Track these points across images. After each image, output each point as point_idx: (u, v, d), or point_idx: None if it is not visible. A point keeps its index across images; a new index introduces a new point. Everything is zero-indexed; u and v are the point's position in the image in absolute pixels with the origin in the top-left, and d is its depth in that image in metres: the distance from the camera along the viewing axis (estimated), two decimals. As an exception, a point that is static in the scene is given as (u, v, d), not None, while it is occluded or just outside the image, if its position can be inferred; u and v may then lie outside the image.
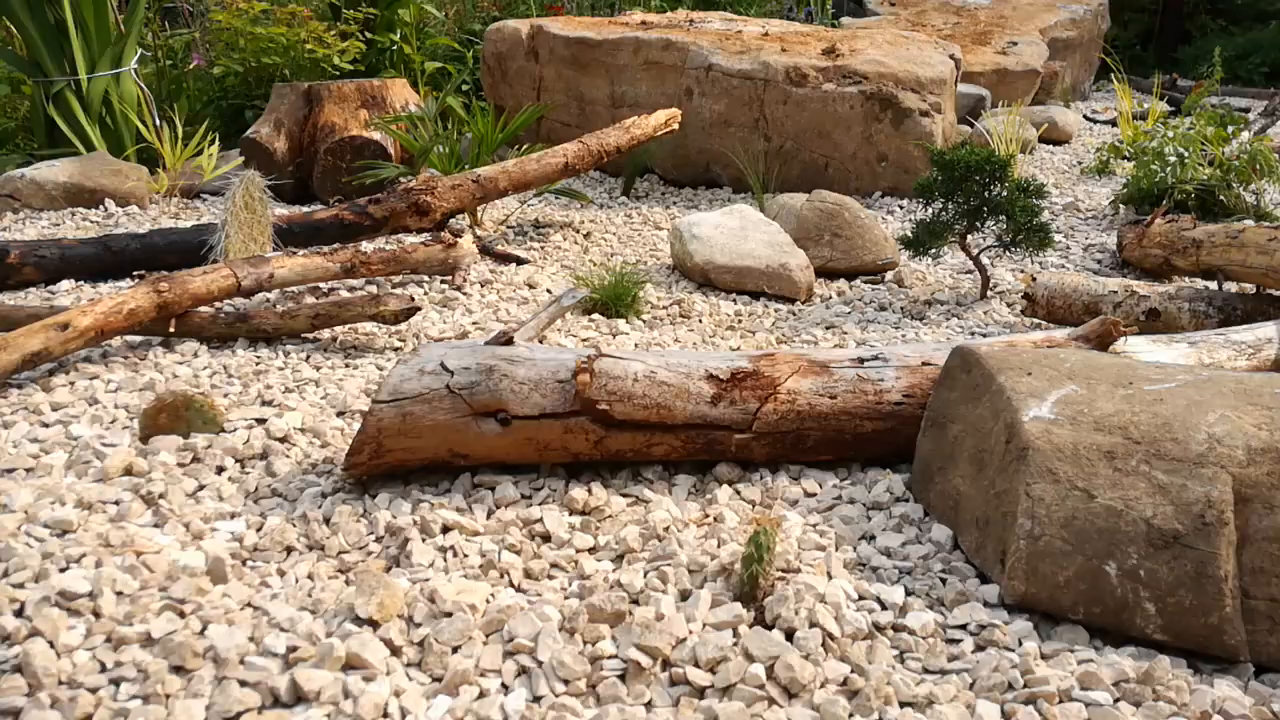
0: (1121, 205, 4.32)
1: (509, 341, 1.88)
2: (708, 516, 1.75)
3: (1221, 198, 4.21)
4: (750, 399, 1.88)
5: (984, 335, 2.94)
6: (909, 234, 3.25)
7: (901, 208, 4.60)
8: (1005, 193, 3.12)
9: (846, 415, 1.91)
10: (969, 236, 3.24)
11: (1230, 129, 5.05)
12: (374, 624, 1.37)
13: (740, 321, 3.15)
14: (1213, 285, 3.14)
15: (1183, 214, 4.24)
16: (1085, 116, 8.41)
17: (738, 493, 1.86)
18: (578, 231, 4.26)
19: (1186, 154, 4.14)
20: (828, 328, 3.05)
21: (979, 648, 1.38)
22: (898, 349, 2.01)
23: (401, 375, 1.80)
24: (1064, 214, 4.46)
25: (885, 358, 1.98)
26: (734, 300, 3.36)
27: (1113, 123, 7.96)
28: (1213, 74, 11.95)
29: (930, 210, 3.24)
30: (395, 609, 1.39)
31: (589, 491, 1.82)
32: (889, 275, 3.57)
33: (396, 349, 2.74)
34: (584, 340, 2.83)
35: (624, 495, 1.85)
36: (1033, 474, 1.50)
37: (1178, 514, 1.42)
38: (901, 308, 3.21)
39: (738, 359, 1.94)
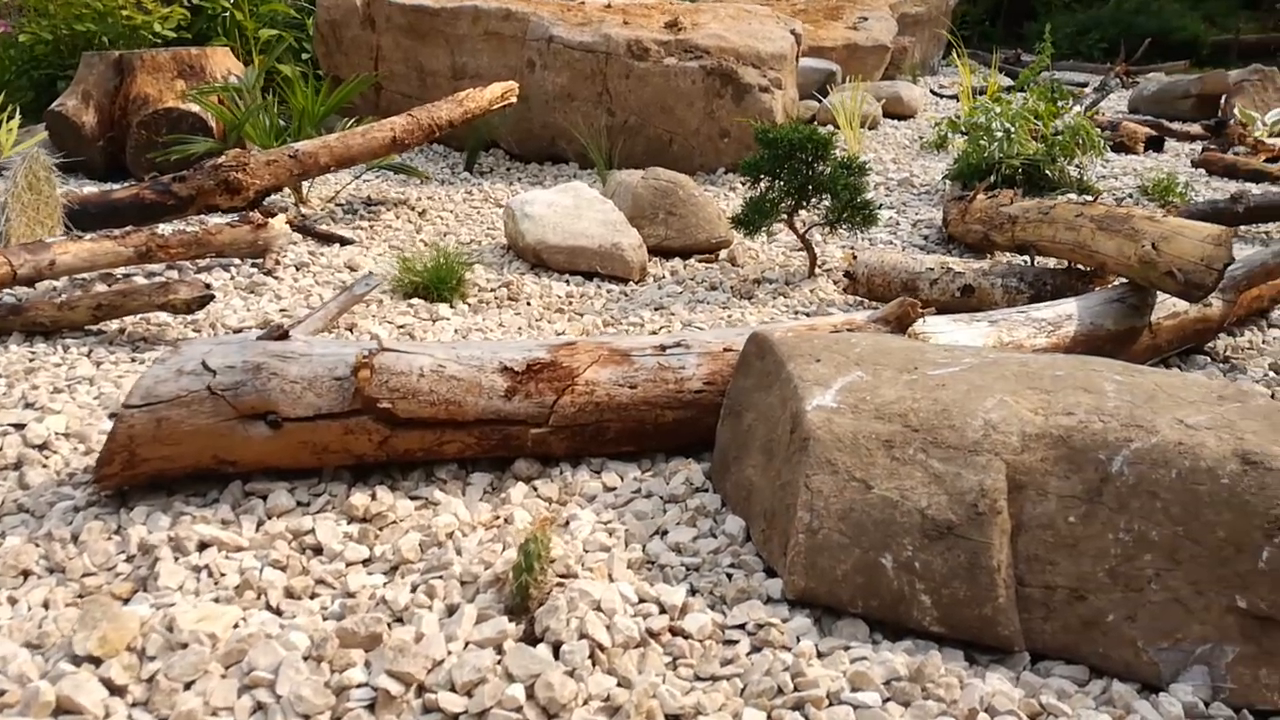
0: (951, 180, 4.41)
1: (284, 336, 1.74)
2: (498, 518, 1.67)
3: (1047, 172, 4.34)
4: (547, 391, 1.80)
5: (807, 314, 2.94)
6: (739, 213, 3.22)
7: (744, 184, 4.58)
8: (829, 171, 3.12)
9: (647, 405, 1.85)
10: (797, 214, 3.23)
11: (1060, 104, 5.22)
12: (96, 661, 1.24)
13: (570, 304, 3.06)
14: (1044, 260, 3.22)
15: (1011, 188, 4.36)
16: (932, 91, 8.62)
17: (535, 490, 1.78)
18: (413, 209, 4.09)
19: (1013, 129, 4.25)
20: (657, 309, 3.00)
21: (755, 649, 1.34)
22: (700, 334, 1.96)
23: (156, 376, 1.65)
24: (899, 189, 4.53)
25: (688, 344, 1.93)
26: (567, 281, 3.27)
27: (956, 98, 8.16)
28: (1054, 49, 12.43)
29: (759, 189, 3.22)
30: (123, 642, 1.26)
31: (373, 496, 1.71)
32: (723, 253, 3.54)
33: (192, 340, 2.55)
34: (400, 328, 2.70)
35: (413, 498, 1.75)
36: (812, 465, 1.47)
37: (952, 504, 1.41)
38: (731, 287, 3.18)
39: (536, 349, 1.85)
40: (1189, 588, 1.34)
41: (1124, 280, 2.47)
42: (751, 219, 3.18)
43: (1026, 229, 2.96)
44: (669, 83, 4.65)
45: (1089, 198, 4.21)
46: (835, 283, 3.18)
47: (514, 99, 4.26)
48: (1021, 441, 1.45)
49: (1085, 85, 8.96)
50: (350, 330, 2.63)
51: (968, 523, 1.40)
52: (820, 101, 6.38)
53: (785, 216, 3.23)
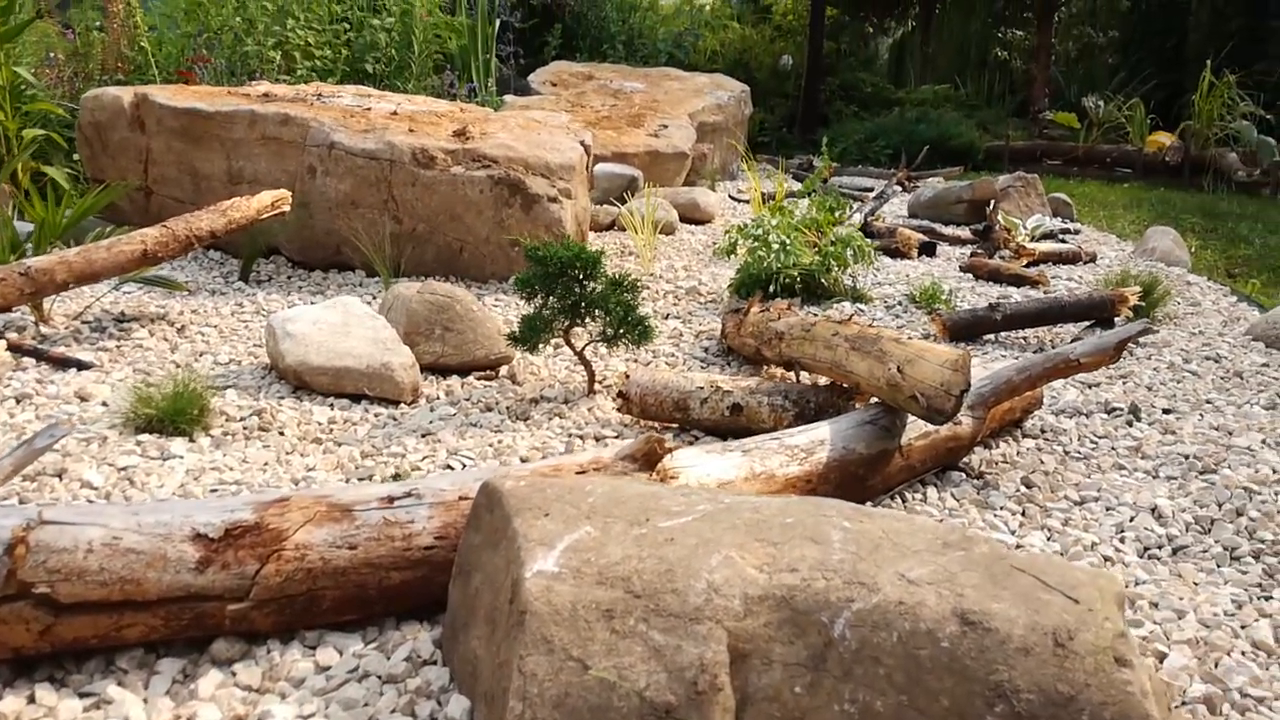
0: (734, 290, 4.49)
1: (-76, 512, 1.49)
2: (179, 718, 1.45)
3: (823, 281, 4.48)
4: (248, 560, 1.60)
5: (580, 437, 2.85)
6: (515, 330, 3.13)
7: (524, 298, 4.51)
8: (600, 289, 3.08)
9: (370, 567, 1.68)
10: (573, 331, 3.16)
11: (837, 213, 5.45)
12: None
13: (331, 431, 2.86)
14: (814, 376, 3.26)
15: (791, 297, 4.47)
16: (731, 197, 8.92)
17: (233, 675, 1.57)
18: (172, 325, 3.79)
19: (788, 241, 4.37)
20: (424, 435, 2.84)
21: None
22: (436, 481, 1.82)
23: None
24: (686, 298, 4.57)
25: (420, 494, 1.78)
26: (331, 405, 3.07)
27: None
28: (841, 155, 13.15)
29: (533, 305, 3.14)
30: None
31: (30, 698, 1.46)
32: (504, 370, 3.42)
33: None
34: (121, 471, 2.43)
35: (83, 695, 1.50)
36: (527, 644, 1.34)
37: (671, 682, 1.31)
38: (508, 407, 3.06)
39: (240, 509, 1.66)
40: (914, 759, 1.28)
41: (878, 400, 2.50)
42: (527, 336, 3.09)
43: (792, 345, 2.99)
44: (457, 191, 4.57)
45: (861, 307, 4.37)
46: (614, 399, 3.11)
47: (286, 207, 4.06)
48: (744, 605, 1.37)
49: (871, 190, 9.51)
50: (59, 477, 2.34)
51: (687, 704, 1.30)
52: (619, 207, 6.45)
53: (561, 333, 3.15)
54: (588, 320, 3.12)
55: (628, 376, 2.92)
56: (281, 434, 2.81)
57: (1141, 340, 4.02)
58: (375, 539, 1.69)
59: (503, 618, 1.45)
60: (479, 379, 3.36)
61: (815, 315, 3.06)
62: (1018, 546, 2.23)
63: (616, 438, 2.86)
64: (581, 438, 2.84)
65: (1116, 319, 3.97)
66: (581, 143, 5.11)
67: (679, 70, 11.15)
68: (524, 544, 1.48)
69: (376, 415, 3.00)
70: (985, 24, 17.49)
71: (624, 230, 5.95)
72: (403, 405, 3.09)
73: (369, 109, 5.03)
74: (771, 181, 9.81)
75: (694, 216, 7.33)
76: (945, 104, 15.13)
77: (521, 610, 1.37)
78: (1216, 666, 1.78)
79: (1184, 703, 1.68)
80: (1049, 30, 14.93)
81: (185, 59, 7.22)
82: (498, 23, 9.55)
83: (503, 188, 4.57)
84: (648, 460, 1.92)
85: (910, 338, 3.04)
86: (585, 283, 3.03)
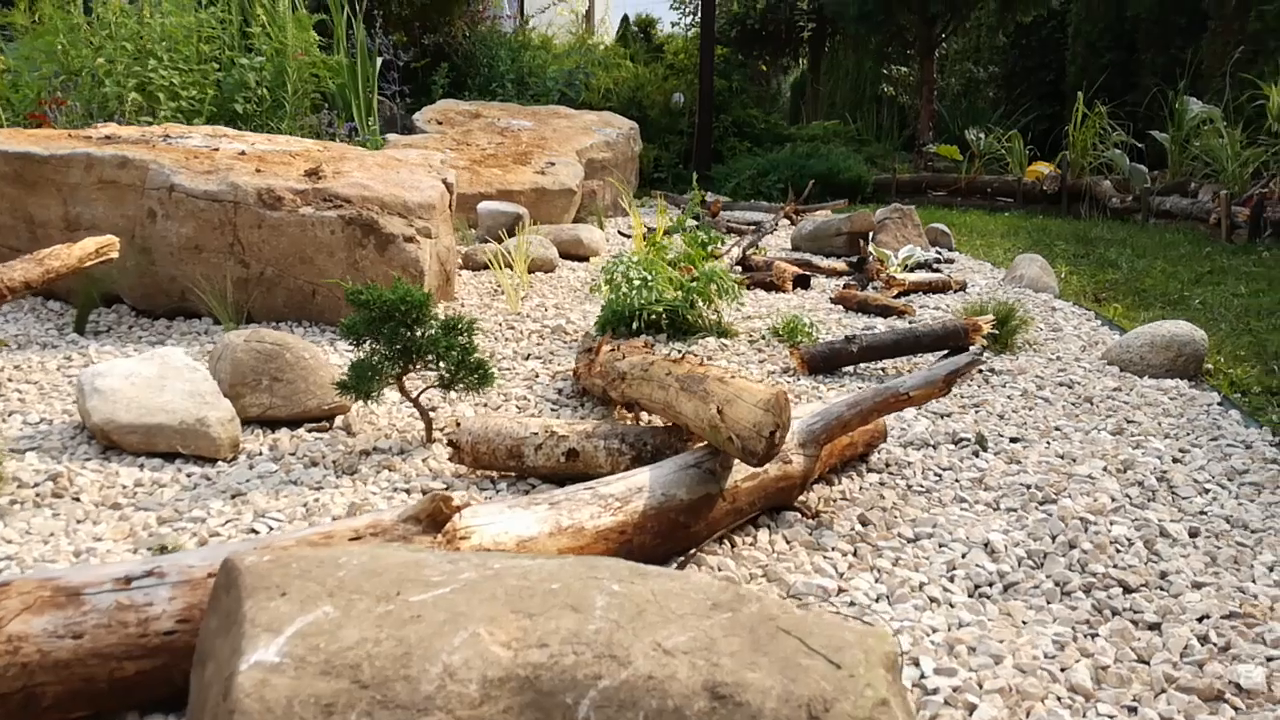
0: (599, 328, 4.39)
1: None
2: None
3: (688, 317, 4.41)
4: (-54, 658, 1.41)
5: (407, 491, 2.69)
6: (343, 378, 2.96)
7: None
8: (433, 332, 2.94)
9: (98, 658, 1.50)
10: (406, 377, 3.01)
11: (709, 247, 5.41)
12: None
13: (135, 496, 2.65)
14: (659, 420, 3.15)
15: (656, 334, 4.39)
16: (620, 233, 8.87)
17: (-78, 792, 1.37)
18: (-16, 383, 3.52)
19: (650, 277, 4.30)
20: (234, 496, 2.64)
21: None
22: (185, 557, 1.65)
23: None
24: (551, 337, 4.45)
25: (163, 572, 1.61)
26: (141, 466, 2.85)
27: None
28: (735, 190, 13.25)
29: (363, 351, 2.98)
30: None
31: None
32: (339, 421, 3.25)
33: None
34: None
35: None
36: (231, 748, 1.18)
37: (391, 782, 1.17)
38: (334, 461, 2.89)
39: (-57, 600, 1.47)
40: None
41: (705, 442, 2.41)
42: (355, 384, 2.92)
43: (632, 385, 2.89)
44: (306, 232, 4.39)
45: (725, 341, 4.30)
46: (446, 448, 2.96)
47: (114, 254, 3.82)
48: (482, 690, 1.24)
49: (761, 224, 9.58)
50: None
51: (407, 806, 1.15)
52: (499, 244, 6.33)
53: (393, 380, 3.00)
54: (420, 365, 2.97)
55: (458, 424, 2.78)
56: (77, 500, 2.59)
57: (996, 369, 4.04)
58: (105, 625, 1.51)
59: (222, 715, 1.29)
60: (311, 431, 3.17)
61: (659, 354, 2.97)
62: (840, 591, 2.14)
63: (446, 489, 2.71)
64: (408, 491, 2.69)
65: (971, 347, 3.98)
66: (444, 181, 4.98)
67: (568, 109, 11.13)
68: (249, 630, 1.32)
69: (189, 475, 2.80)
70: (874, 62, 17.97)
71: (487, 269, 5.81)
72: (220, 463, 2.89)
73: (217, 149, 4.82)
74: (657, 218, 9.82)
75: (577, 253, 7.24)
76: (835, 139, 15.44)
77: (230, 710, 1.22)
78: (1028, 716, 1.71)
79: (988, 757, 1.60)
80: (930, 67, 15.37)
81: (40, 102, 6.88)
82: (379, 61, 9.37)
83: (355, 228, 4.40)
84: (433, 521, 1.78)
85: (752, 374, 2.98)
86: (413, 326, 2.88)
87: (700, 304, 4.46)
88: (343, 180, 4.58)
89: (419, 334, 2.90)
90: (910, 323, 4.88)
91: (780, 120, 16.75)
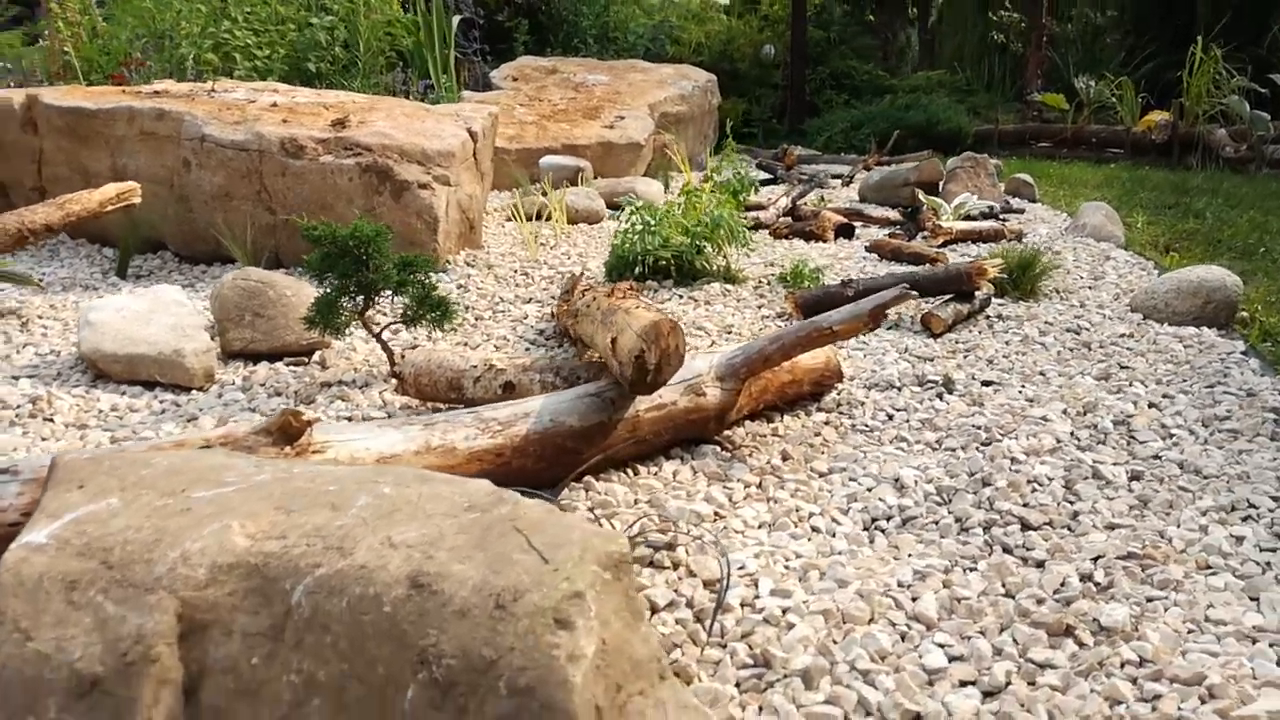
0: (607, 273, 4.40)
1: None
2: None
3: (695, 263, 4.38)
4: None
5: (349, 419, 2.78)
6: (307, 313, 3.07)
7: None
8: (391, 270, 3.02)
9: (-56, 544, 1.63)
10: (368, 313, 3.10)
11: (740, 196, 5.34)
12: None
13: (105, 419, 2.83)
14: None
15: (663, 279, 4.37)
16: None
17: None
18: (20, 319, 3.79)
19: (653, 221, 4.28)
20: (190, 420, 2.79)
21: None
22: (40, 459, 1.77)
23: None
24: (561, 283, 4.48)
25: (18, 470, 1.73)
26: (123, 393, 3.04)
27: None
28: (826, 143, 12.92)
29: (324, 287, 3.08)
30: None
31: None
32: (317, 355, 3.37)
33: None
34: None
35: None
36: (-24, 616, 1.28)
37: (105, 653, 1.24)
38: (296, 391, 3.01)
39: None
40: (353, 733, 1.20)
41: (614, 374, 2.41)
42: (318, 319, 3.03)
43: (580, 322, 2.91)
44: (326, 180, 4.53)
45: (728, 287, 4.26)
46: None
47: (135, 199, 4.05)
48: (210, 574, 1.30)
49: (841, 176, 9.35)
50: None
51: (115, 675, 1.22)
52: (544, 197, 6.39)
53: (356, 315, 3.09)
54: (377, 301, 3.06)
55: (403, 356, 2.86)
56: (50, 420, 2.78)
57: (1004, 315, 3.88)
58: (-49, 516, 1.64)
59: (2, 590, 1.39)
60: (289, 364, 3.31)
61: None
62: (716, 517, 2.13)
63: (386, 418, 2.80)
64: (350, 419, 2.78)
65: (976, 292, 3.83)
66: (468, 130, 5.06)
67: (646, 63, 11.06)
68: (36, 516, 1.42)
69: (161, 402, 2.96)
70: (983, 8, 17.18)
71: (546, 220, 5.86)
72: (194, 392, 3.05)
73: (253, 100, 5.01)
74: (687, 174, 9.69)
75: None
76: (939, 90, 14.87)
77: (-12, 581, 1.31)
78: (844, 638, 1.67)
79: (785, 675, 1.58)
80: (1039, 13, 14.60)
81: (120, 63, 7.28)
82: (456, 19, 9.51)
83: (371, 175, 4.53)
84: (283, 434, 1.85)
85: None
86: (368, 262, 2.96)
87: (708, 250, 4.41)
88: (366, 129, 4.70)
89: (375, 270, 2.98)
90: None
91: (881, 72, 16.22)
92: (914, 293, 2.52)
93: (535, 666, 1.15)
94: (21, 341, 3.52)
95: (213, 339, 3.41)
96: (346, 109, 5.05)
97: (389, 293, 3.04)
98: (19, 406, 2.85)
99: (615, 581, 1.29)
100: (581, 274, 3.49)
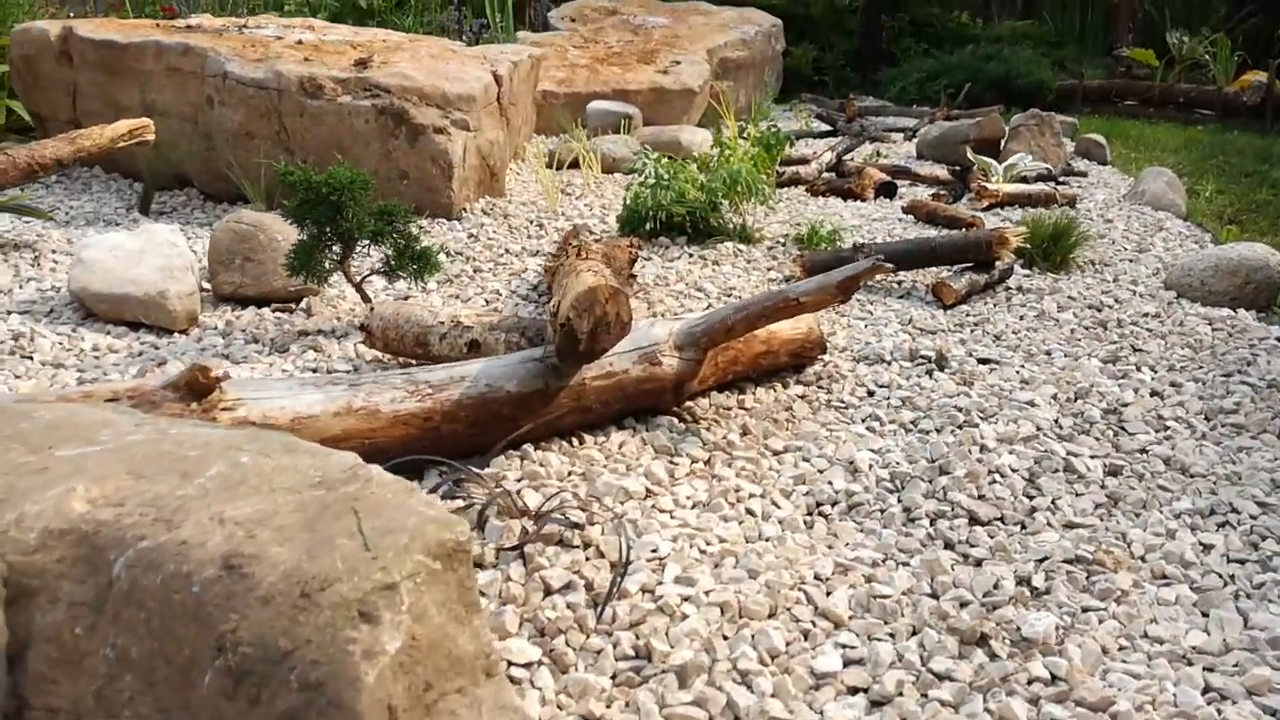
0: (620, 229, 4.29)
1: None
2: None
3: (710, 220, 4.25)
4: None
5: (314, 370, 2.76)
6: (287, 258, 3.05)
7: (421, 228, 4.41)
8: (369, 218, 2.96)
9: None
10: (350, 261, 3.06)
11: (773, 151, 5.17)
12: None
13: (81, 359, 2.85)
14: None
15: (678, 236, 4.25)
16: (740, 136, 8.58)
17: None
18: (33, 253, 3.85)
19: (666, 176, 4.15)
20: (160, 365, 2.80)
21: None
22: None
23: None
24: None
25: (-78, 415, 1.72)
26: (108, 333, 3.06)
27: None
28: (899, 95, 12.46)
29: (303, 234, 3.05)
30: None
31: None
32: (305, 302, 3.36)
33: None
34: None
35: None
36: None
37: (-78, 614, 1.22)
38: (272, 339, 3.00)
39: None
40: (159, 716, 1.17)
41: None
42: (297, 265, 3.01)
43: (554, 281, 2.83)
44: (343, 121, 4.50)
45: (740, 246, 4.12)
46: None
47: (150, 136, 4.06)
48: (40, 539, 1.27)
49: (905, 130, 9.01)
50: None
51: (-70, 637, 1.21)
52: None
53: (335, 264, 3.06)
54: (359, 249, 3.02)
55: (371, 309, 2.82)
56: (29, 358, 2.82)
57: (1025, 287, 3.68)
58: None
59: None
60: (276, 310, 3.30)
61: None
62: (649, 493, 2.04)
63: (350, 371, 2.77)
64: (315, 370, 2.76)
65: (998, 261, 3.63)
66: (494, 73, 4.96)
67: (710, 4, 10.76)
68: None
69: (141, 343, 2.98)
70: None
71: (575, 169, 5.76)
72: (176, 334, 3.06)
73: (280, 37, 4.98)
74: (797, 121, 9.41)
75: (675, 154, 7.07)
76: (1025, 41, 14.20)
77: None
78: (735, 634, 1.59)
79: (662, 670, 1.50)
80: (1135, -42, 13.79)
81: (175, -5, 7.33)
82: (517, -44, 9.35)
83: (387, 118, 4.47)
84: (191, 390, 1.82)
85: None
86: (344, 210, 2.91)
87: (724, 207, 4.27)
88: (387, 70, 4.64)
89: (350, 219, 2.93)
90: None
91: (967, 20, 15.55)
92: (888, 265, 2.37)
93: (328, 661, 1.09)
94: (27, 276, 3.58)
95: (206, 282, 3.42)
96: (373, 48, 4.99)
97: (366, 242, 2.99)
98: (1, 343, 2.89)
99: (446, 572, 1.22)
100: (579, 228, 3.39)
